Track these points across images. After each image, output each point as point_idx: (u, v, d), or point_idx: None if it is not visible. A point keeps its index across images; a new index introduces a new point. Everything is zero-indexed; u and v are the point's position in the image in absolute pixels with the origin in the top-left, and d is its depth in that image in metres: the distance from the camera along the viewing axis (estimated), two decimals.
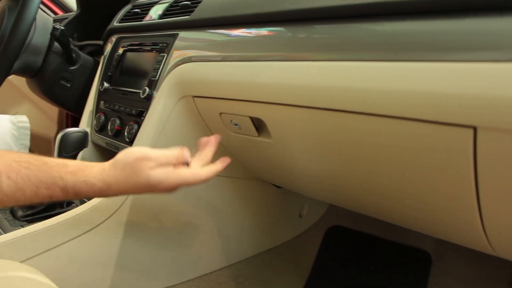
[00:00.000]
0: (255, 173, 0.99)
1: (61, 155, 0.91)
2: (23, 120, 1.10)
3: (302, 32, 0.66)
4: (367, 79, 0.55)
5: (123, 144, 0.98)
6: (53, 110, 1.65)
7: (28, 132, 1.07)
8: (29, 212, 0.91)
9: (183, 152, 0.66)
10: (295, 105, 0.66)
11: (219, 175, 0.97)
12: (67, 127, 1.63)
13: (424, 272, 1.09)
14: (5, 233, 0.82)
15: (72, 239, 0.83)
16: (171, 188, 0.63)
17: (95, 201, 0.86)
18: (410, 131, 0.54)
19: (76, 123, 1.47)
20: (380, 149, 0.61)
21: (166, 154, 0.63)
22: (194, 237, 0.98)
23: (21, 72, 1.19)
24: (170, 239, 0.94)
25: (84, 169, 0.60)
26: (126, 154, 0.62)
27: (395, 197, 0.71)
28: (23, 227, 0.85)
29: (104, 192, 0.61)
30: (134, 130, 0.95)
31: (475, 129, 0.47)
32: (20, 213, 0.91)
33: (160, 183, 0.61)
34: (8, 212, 0.92)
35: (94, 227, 0.85)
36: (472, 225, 0.60)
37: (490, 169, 0.50)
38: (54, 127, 1.69)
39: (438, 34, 0.49)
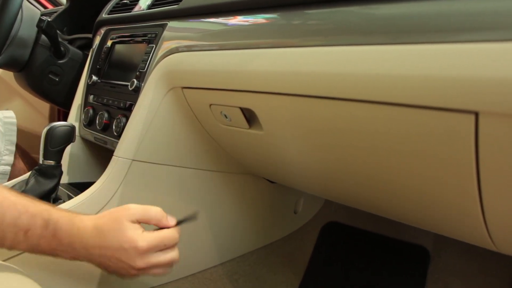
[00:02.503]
0: (247, 167, 0.97)
1: (46, 149, 0.88)
2: (9, 115, 1.07)
3: (293, 18, 0.63)
4: (362, 63, 0.52)
5: (112, 139, 0.95)
6: (44, 106, 1.62)
7: (15, 128, 1.04)
8: None
9: (165, 215, 0.65)
10: (286, 94, 0.64)
11: (211, 169, 0.94)
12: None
13: (422, 268, 1.06)
14: None
15: None
16: (143, 251, 0.60)
17: (81, 197, 0.83)
18: (407, 118, 0.51)
19: (67, 119, 1.44)
20: (377, 138, 0.58)
21: (147, 209, 0.63)
22: (187, 234, 0.95)
23: (7, 65, 1.16)
24: None
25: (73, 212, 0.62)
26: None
27: (392, 189, 0.69)
28: None
29: (81, 233, 0.59)
30: (122, 124, 0.91)
31: (476, 114, 0.44)
32: None
33: (136, 238, 0.59)
34: None
35: None
36: (473, 218, 0.58)
37: (493, 157, 0.47)
38: (46, 123, 1.66)
39: (435, 15, 0.47)
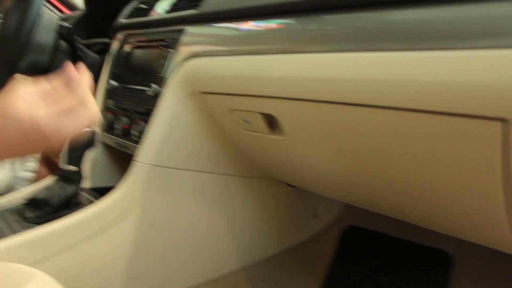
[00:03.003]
0: (268, 172, 0.96)
1: (69, 155, 0.90)
2: None
3: (314, 24, 0.63)
4: (386, 70, 0.52)
5: (131, 143, 0.95)
6: None
7: None
8: (37, 213, 0.89)
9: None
10: (309, 100, 0.63)
11: (232, 174, 0.94)
12: None
13: (445, 274, 1.05)
14: (13, 234, 0.80)
15: (82, 241, 0.81)
16: (54, 121, 0.50)
17: (103, 203, 0.83)
18: (432, 125, 0.51)
19: None
20: (402, 144, 0.57)
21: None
22: (206, 239, 0.95)
23: (27, 71, 1.17)
24: (182, 241, 0.91)
25: None
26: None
27: (417, 194, 0.68)
28: (27, 228, 0.83)
29: None
30: (142, 129, 0.92)
31: (505, 121, 0.43)
32: (28, 214, 0.89)
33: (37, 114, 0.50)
34: (15, 213, 0.90)
35: (106, 228, 0.82)
36: (498, 222, 0.57)
37: None
38: None
39: (462, 20, 0.46)
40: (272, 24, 0.70)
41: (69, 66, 0.55)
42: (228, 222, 0.98)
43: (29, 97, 0.51)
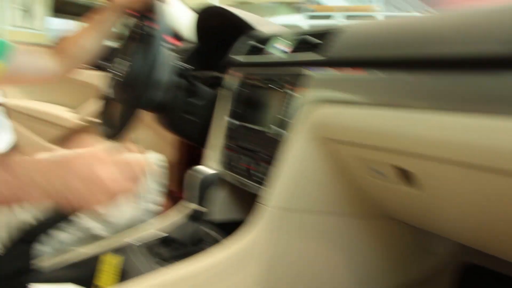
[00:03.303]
0: (390, 213, 0.95)
1: (200, 195, 0.95)
2: (162, 159, 1.13)
3: (464, 81, 0.62)
4: None
5: (254, 184, 0.99)
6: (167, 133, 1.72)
7: (165, 171, 1.10)
8: (169, 250, 0.95)
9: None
10: (450, 162, 0.62)
11: (352, 215, 0.94)
12: (184, 150, 1.70)
13: None
14: (145, 272, 0.86)
15: (212, 283, 0.84)
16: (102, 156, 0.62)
17: (235, 245, 0.86)
18: None
19: (192, 148, 1.51)
20: None
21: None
22: (326, 279, 0.96)
23: (148, 108, 1.23)
24: (305, 282, 0.92)
25: None
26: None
27: None
28: (160, 265, 0.89)
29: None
30: (265, 170, 0.95)
31: None
32: (161, 251, 0.95)
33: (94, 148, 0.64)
34: (149, 249, 0.96)
35: (235, 270, 0.85)
36: None
37: None
38: (169, 149, 1.76)
39: None
40: (412, 77, 0.69)
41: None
42: (346, 262, 0.98)
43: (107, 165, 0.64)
